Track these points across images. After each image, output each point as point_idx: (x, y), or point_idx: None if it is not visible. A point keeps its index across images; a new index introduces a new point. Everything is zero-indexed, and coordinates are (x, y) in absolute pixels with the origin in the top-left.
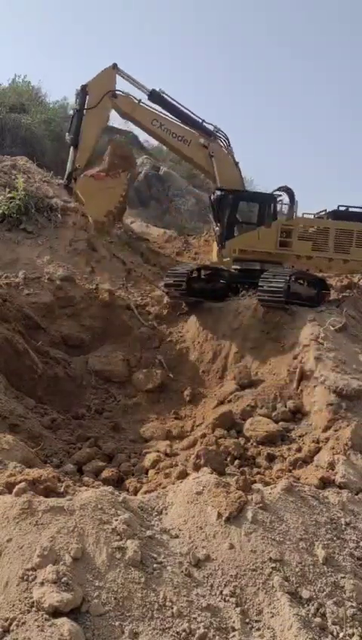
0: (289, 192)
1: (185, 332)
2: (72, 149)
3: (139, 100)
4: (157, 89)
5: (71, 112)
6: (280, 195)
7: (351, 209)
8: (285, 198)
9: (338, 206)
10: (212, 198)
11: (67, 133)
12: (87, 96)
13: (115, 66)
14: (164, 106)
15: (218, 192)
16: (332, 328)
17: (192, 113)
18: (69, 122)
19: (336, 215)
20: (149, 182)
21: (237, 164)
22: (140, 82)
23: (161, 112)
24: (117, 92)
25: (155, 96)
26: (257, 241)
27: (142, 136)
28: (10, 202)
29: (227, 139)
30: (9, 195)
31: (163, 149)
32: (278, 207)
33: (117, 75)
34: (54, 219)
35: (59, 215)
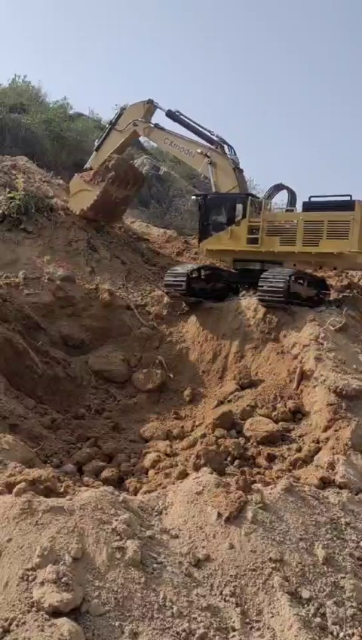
0: (288, 190)
1: (185, 332)
2: (94, 152)
3: (155, 124)
4: (173, 109)
5: (71, 112)
6: (251, 195)
7: (321, 199)
8: (278, 195)
9: (310, 197)
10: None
11: (97, 140)
12: (119, 119)
13: (150, 101)
14: (178, 122)
15: (193, 198)
16: (332, 328)
17: (201, 127)
18: (70, 122)
19: (307, 206)
20: (149, 182)
21: (240, 170)
22: (161, 106)
23: (171, 131)
24: (137, 120)
25: (171, 115)
26: (228, 240)
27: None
28: (10, 202)
29: (231, 148)
30: (9, 195)
31: (163, 149)
32: (269, 204)
33: (148, 107)
34: (54, 219)
35: (59, 215)
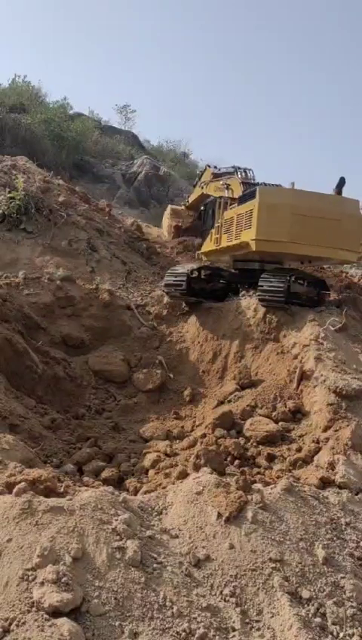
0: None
1: (185, 332)
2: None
3: (208, 183)
4: (220, 168)
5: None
6: (222, 197)
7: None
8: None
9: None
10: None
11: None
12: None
13: (214, 166)
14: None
15: (201, 209)
16: (332, 328)
17: (229, 167)
18: (70, 122)
19: (241, 199)
20: (149, 182)
21: (251, 184)
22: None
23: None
24: (203, 184)
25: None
26: (209, 242)
27: (142, 136)
28: (10, 202)
29: (250, 172)
30: (9, 195)
31: (163, 149)
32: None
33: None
34: (54, 219)
35: (59, 215)
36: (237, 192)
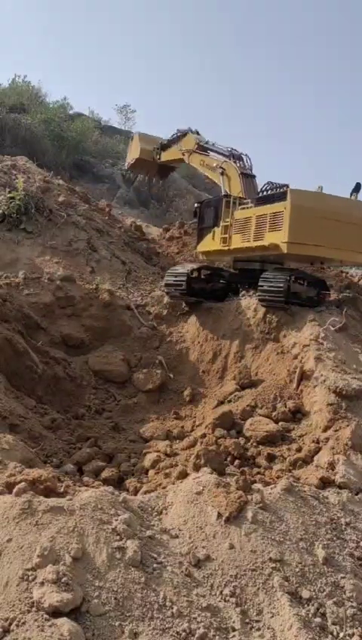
0: (276, 187)
1: (185, 332)
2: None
3: (193, 151)
4: (208, 140)
5: (71, 112)
6: (227, 195)
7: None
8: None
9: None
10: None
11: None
12: (181, 139)
13: (199, 142)
14: (211, 150)
15: (195, 205)
16: (332, 328)
17: (223, 147)
18: (70, 122)
19: (258, 201)
20: (149, 182)
21: (250, 176)
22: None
23: (205, 154)
24: (185, 151)
25: (206, 145)
26: (212, 241)
27: None
28: (10, 202)
29: (247, 158)
30: (9, 195)
31: None
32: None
33: (196, 146)
34: (54, 219)
35: (59, 215)
36: (235, 182)
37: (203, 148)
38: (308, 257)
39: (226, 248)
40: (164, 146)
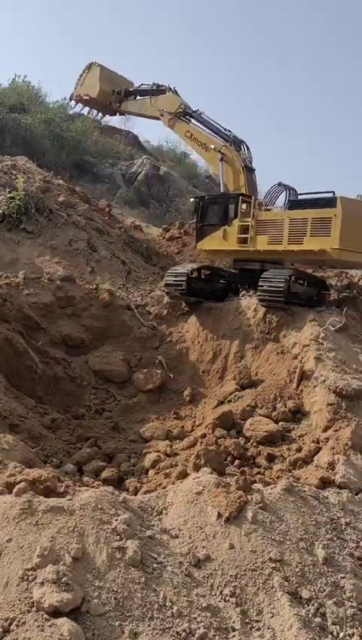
0: (288, 188)
1: (185, 332)
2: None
3: (177, 115)
4: (197, 109)
5: (71, 112)
6: (242, 195)
7: (307, 196)
8: (281, 195)
9: (298, 195)
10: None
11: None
12: (160, 96)
13: (184, 106)
14: (198, 121)
15: (191, 200)
16: (332, 328)
17: (220, 126)
18: (70, 122)
19: (292, 204)
20: (149, 182)
21: (251, 170)
22: (186, 103)
23: (192, 124)
24: (165, 112)
25: (195, 114)
26: (222, 240)
27: (142, 136)
28: (10, 202)
29: (247, 148)
30: (9, 195)
31: (163, 149)
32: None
33: (181, 110)
34: (54, 219)
35: (59, 215)
36: (237, 174)
37: (190, 116)
38: (354, 264)
39: (247, 249)
40: (129, 93)
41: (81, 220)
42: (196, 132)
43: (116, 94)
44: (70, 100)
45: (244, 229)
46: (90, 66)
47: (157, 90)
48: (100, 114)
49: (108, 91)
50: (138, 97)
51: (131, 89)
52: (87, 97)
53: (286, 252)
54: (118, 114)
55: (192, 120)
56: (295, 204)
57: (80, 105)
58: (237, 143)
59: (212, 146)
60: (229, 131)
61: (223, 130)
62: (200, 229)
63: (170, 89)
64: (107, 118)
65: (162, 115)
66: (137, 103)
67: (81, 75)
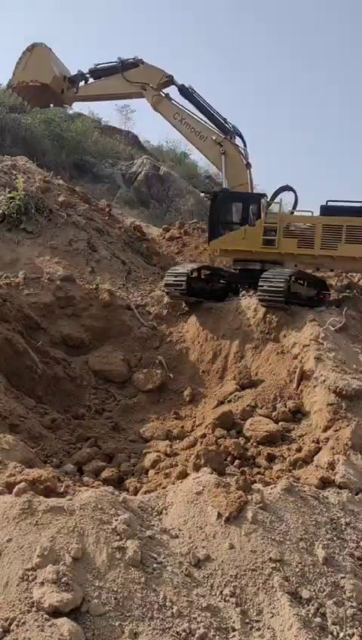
0: (292, 191)
1: (185, 332)
2: (88, 74)
3: (167, 94)
4: (187, 85)
5: (71, 112)
6: (264, 195)
7: (340, 203)
8: (286, 197)
9: (327, 201)
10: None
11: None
12: (132, 70)
13: (170, 77)
14: (190, 101)
15: (202, 195)
16: (332, 328)
17: (215, 111)
18: (70, 122)
19: (325, 210)
20: (149, 182)
21: (249, 165)
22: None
23: (184, 108)
24: (148, 86)
25: (185, 91)
26: (242, 240)
27: (142, 136)
28: (10, 202)
29: (243, 140)
30: (9, 195)
31: (163, 149)
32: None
33: (165, 80)
34: (54, 219)
35: (59, 215)
36: (239, 170)
37: (180, 90)
38: None
39: (275, 251)
40: (86, 76)
41: (81, 220)
42: (195, 123)
43: (68, 80)
44: (9, 87)
45: (269, 231)
46: (32, 47)
47: (128, 65)
48: (42, 105)
49: (60, 77)
50: (102, 78)
51: (88, 70)
52: (35, 84)
53: (320, 257)
54: (69, 104)
55: (183, 100)
56: (328, 210)
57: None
58: (238, 136)
59: (213, 137)
60: (225, 119)
61: (220, 119)
62: (215, 225)
63: (142, 61)
64: (107, 117)
65: (144, 90)
66: (103, 84)
67: (20, 59)
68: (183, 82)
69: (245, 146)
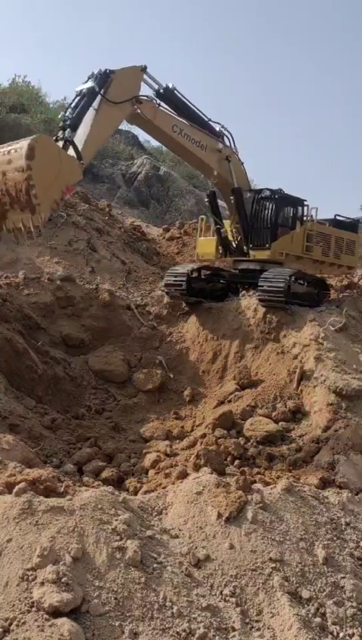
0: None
1: (185, 332)
2: (67, 131)
3: (158, 104)
4: (170, 85)
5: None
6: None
7: (341, 219)
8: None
9: (335, 215)
10: (247, 196)
11: (62, 113)
12: (110, 88)
13: (144, 68)
14: (176, 106)
15: (266, 192)
16: (332, 328)
17: (201, 112)
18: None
19: (334, 223)
20: (149, 182)
21: (241, 164)
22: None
23: (175, 115)
24: (141, 97)
25: (168, 94)
26: (291, 244)
27: (142, 136)
28: None
29: (232, 137)
30: None
31: (163, 149)
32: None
33: (143, 76)
34: (54, 219)
35: (59, 215)
36: (240, 174)
37: (172, 104)
38: None
39: (311, 257)
40: (72, 129)
41: (81, 220)
42: (186, 127)
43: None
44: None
45: (308, 237)
46: (34, 140)
47: (103, 78)
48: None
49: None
50: (84, 120)
51: (66, 134)
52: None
53: (328, 264)
54: (82, 178)
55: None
56: (337, 223)
57: None
58: (225, 137)
59: (213, 144)
60: (209, 119)
61: (206, 119)
62: (276, 227)
63: (112, 71)
64: None
65: (140, 102)
66: (94, 133)
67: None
68: (155, 77)
69: (234, 144)
